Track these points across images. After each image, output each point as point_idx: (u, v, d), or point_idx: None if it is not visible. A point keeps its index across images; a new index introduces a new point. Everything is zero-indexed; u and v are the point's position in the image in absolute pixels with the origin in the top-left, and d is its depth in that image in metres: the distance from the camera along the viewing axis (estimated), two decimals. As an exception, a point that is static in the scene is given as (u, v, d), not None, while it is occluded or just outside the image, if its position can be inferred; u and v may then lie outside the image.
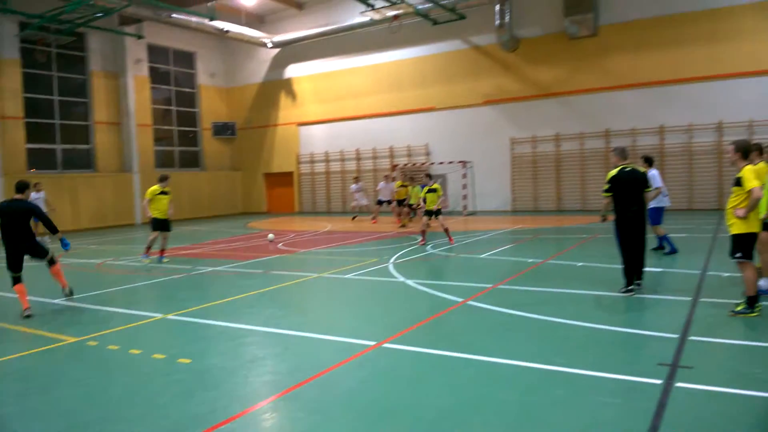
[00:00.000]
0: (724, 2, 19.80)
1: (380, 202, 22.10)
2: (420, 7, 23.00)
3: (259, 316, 7.68)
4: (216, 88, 32.11)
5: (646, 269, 8.26)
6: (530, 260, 11.19)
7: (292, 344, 6.34)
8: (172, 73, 30.16)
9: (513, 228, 17.68)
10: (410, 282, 9.48)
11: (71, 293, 8.96)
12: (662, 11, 20.79)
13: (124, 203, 25.99)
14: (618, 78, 21.74)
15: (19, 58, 23.27)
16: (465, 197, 24.28)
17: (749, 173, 6.44)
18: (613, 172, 8.06)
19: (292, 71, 30.11)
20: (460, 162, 24.52)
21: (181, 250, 15.56)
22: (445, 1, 23.10)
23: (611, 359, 5.46)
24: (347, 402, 4.66)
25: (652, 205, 10.52)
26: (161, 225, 13.17)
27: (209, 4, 22.63)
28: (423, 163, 25.84)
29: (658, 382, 4.68)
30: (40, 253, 8.59)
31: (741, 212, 6.49)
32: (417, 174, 25.02)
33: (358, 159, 28.15)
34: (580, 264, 10.48)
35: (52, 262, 8.71)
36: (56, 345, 6.65)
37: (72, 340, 6.82)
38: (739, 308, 6.57)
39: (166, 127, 29.83)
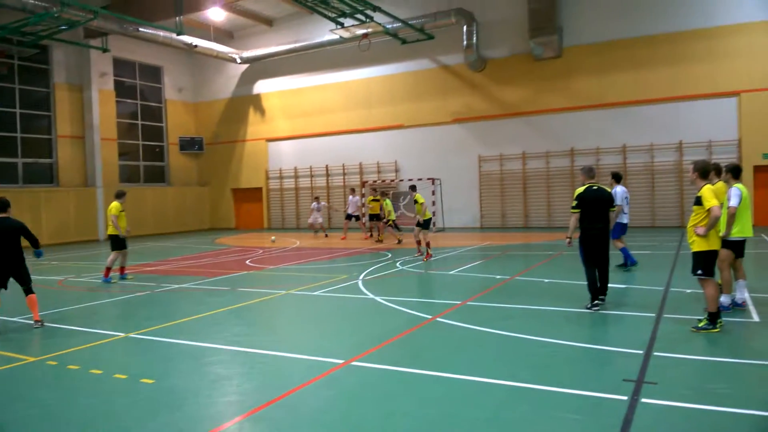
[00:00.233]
0: (682, 26, 20.48)
1: (349, 217, 22.12)
2: (389, 26, 23.24)
3: (225, 334, 7.55)
4: (183, 103, 31.80)
5: (611, 285, 8.40)
6: (498, 277, 11.27)
7: (258, 363, 6.24)
8: (138, 87, 29.76)
9: (481, 244, 17.81)
10: (379, 299, 9.45)
11: (42, 325, 8.31)
12: (624, 34, 21.39)
13: (87, 219, 25.44)
14: (582, 98, 22.24)
15: (-21, 70, 22.73)
16: (434, 214, 24.39)
17: (708, 192, 6.62)
18: (580, 189, 8.24)
19: (262, 87, 30.03)
20: (429, 179, 24.67)
21: (145, 267, 15.26)
22: (413, 22, 23.43)
23: (577, 375, 5.51)
24: (314, 422, 4.59)
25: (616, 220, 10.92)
26: (122, 243, 12.85)
27: (177, 18, 22.43)
28: (392, 180, 25.94)
29: (624, 398, 4.73)
30: (25, 279, 8.34)
31: (701, 230, 6.65)
32: (387, 189, 25.13)
33: (328, 175, 28.12)
34: (547, 280, 10.60)
35: (31, 291, 8.39)
36: (14, 364, 6.42)
37: (31, 359, 6.61)
38: (701, 324, 6.70)
39: (131, 142, 29.35)
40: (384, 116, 26.38)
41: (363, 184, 25.99)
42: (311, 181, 28.65)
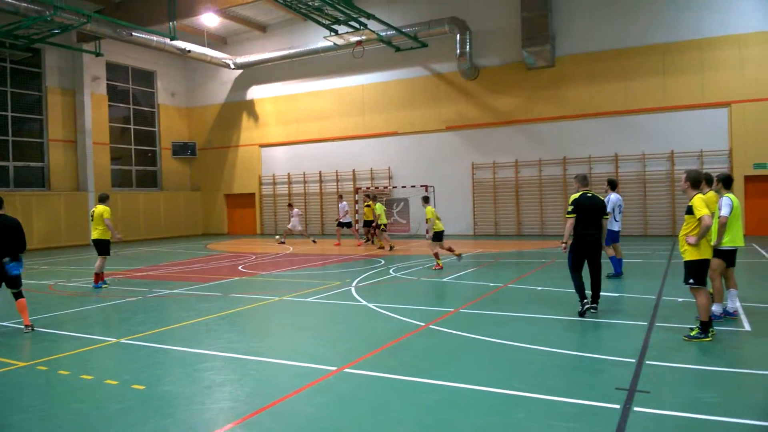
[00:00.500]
0: (673, 37, 20.67)
1: (341, 225, 22.14)
2: (383, 34, 23.34)
3: (217, 340, 7.51)
4: (176, 108, 31.74)
5: (604, 294, 8.43)
6: (492, 284, 11.28)
7: (251, 370, 6.21)
8: (131, 92, 29.68)
9: (474, 252, 17.83)
10: (372, 305, 9.44)
11: (32, 330, 8.25)
12: (616, 45, 21.57)
13: (78, 223, 25.27)
14: (574, 107, 22.38)
15: (-29, 73, 22.61)
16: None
17: (699, 202, 6.67)
18: (576, 195, 8.38)
19: (255, 93, 30.02)
20: (422, 186, 24.71)
21: (137, 272, 15.18)
22: (407, 30, 23.54)
23: (570, 383, 5.51)
24: (307, 429, 4.57)
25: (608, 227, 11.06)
26: (108, 248, 12.64)
27: (171, 23, 22.42)
28: (385, 187, 25.97)
29: (616, 406, 4.74)
30: (15, 281, 8.18)
31: (692, 239, 6.70)
32: (379, 194, 25.13)
33: (321, 181, 28.11)
34: (540, 288, 10.63)
35: (20, 295, 8.26)
36: (4, 369, 6.36)
37: (21, 364, 6.55)
38: (693, 333, 6.73)
39: (123, 146, 29.25)
40: (377, 123, 26.43)
41: (356, 190, 26.02)
42: (304, 187, 28.63)
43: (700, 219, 6.59)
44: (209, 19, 25.88)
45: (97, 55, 24.54)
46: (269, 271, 14.74)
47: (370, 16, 20.99)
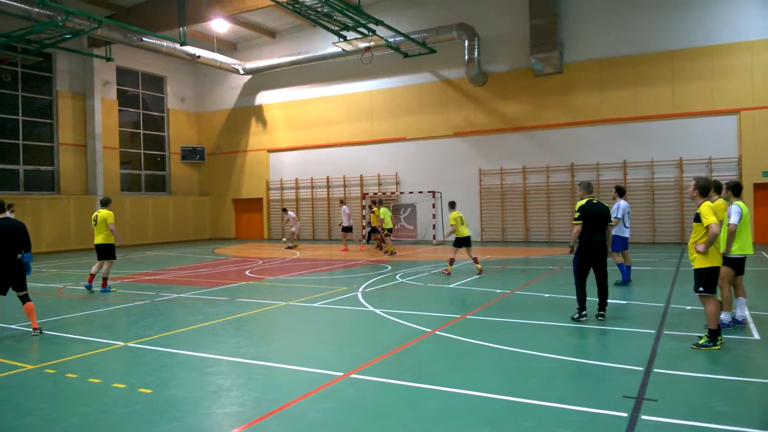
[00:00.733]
0: (682, 44, 20.61)
1: (345, 229, 22.24)
2: (391, 40, 23.41)
3: (224, 344, 7.53)
4: (185, 113, 31.93)
5: (611, 301, 8.40)
6: (498, 291, 11.26)
7: (257, 374, 6.22)
8: (140, 96, 29.89)
9: (481, 258, 17.76)
10: (379, 311, 9.43)
11: (41, 333, 8.29)
12: (624, 51, 21.53)
13: (87, 226, 25.22)
14: (582, 114, 22.34)
15: (-17, 77, 22.85)
16: (434, 227, 24.42)
17: (707, 210, 6.64)
18: (582, 202, 8.47)
19: (264, 98, 30.16)
20: (429, 192, 24.72)
21: (145, 276, 15.24)
22: (415, 36, 23.62)
23: (577, 391, 5.49)
24: (313, 434, 4.57)
25: (615, 232, 11.17)
26: (114, 252, 12.63)
27: (181, 29, 22.59)
28: (393, 192, 26.00)
29: (624, 414, 4.72)
30: (22, 283, 8.22)
31: (701, 247, 6.67)
32: (386, 200, 25.16)
33: (329, 187, 28.16)
34: (548, 295, 10.59)
35: (27, 299, 8.29)
36: (12, 372, 6.40)
37: (29, 367, 6.58)
38: (701, 341, 6.69)
39: (133, 150, 29.45)
40: (385, 129, 26.47)
41: (363, 196, 26.06)
42: (312, 192, 28.69)
43: (707, 227, 6.56)
44: (219, 25, 26.04)
45: (108, 60, 24.73)
46: (276, 275, 14.77)
47: (378, 23, 21.06)
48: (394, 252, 19.48)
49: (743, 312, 7.80)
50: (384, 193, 25.90)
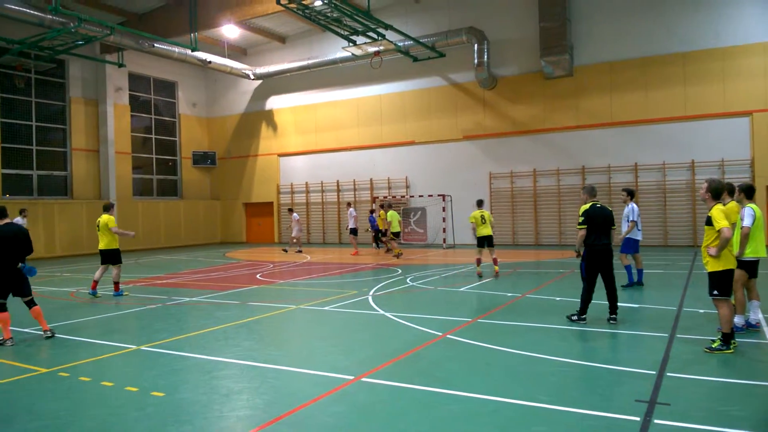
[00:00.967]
0: (694, 46, 20.50)
1: (354, 232, 22.34)
2: (401, 44, 23.46)
3: (235, 348, 7.56)
4: (197, 118, 32.14)
5: (623, 305, 8.36)
6: (510, 294, 11.23)
7: (269, 378, 6.24)
8: (152, 102, 30.13)
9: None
10: (390, 315, 9.44)
11: (53, 335, 8.38)
12: (635, 54, 21.44)
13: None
14: (593, 117, 22.25)
15: (-3, 84, 23.14)
16: (444, 230, 24.39)
17: (718, 213, 6.59)
18: (586, 206, 8.53)
19: (274, 103, 30.30)
20: (439, 195, 24.70)
21: (157, 280, 15.33)
22: (425, 40, 23.65)
23: (590, 395, 5.46)
24: (325, 437, 4.58)
25: (629, 235, 11.30)
26: (119, 257, 12.60)
27: (192, 35, 22.78)
28: (402, 196, 26.01)
29: (637, 419, 4.69)
30: (26, 290, 8.23)
31: (713, 251, 6.62)
32: (396, 204, 25.19)
33: (339, 190, 28.22)
34: (559, 298, 10.55)
35: (33, 303, 8.31)
36: (26, 375, 6.47)
37: (43, 370, 6.65)
38: (715, 345, 6.64)
39: (145, 155, 29.67)
40: (395, 133, 26.50)
41: (373, 199, 26.09)
42: (322, 196, 28.76)
43: (719, 231, 6.51)
44: (230, 31, 26.20)
45: (120, 66, 24.96)
46: (287, 279, 14.81)
47: (388, 27, 21.11)
48: (400, 254, 19.61)
49: (757, 315, 7.73)
50: (394, 197, 25.93)
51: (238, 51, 30.07)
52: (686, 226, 20.89)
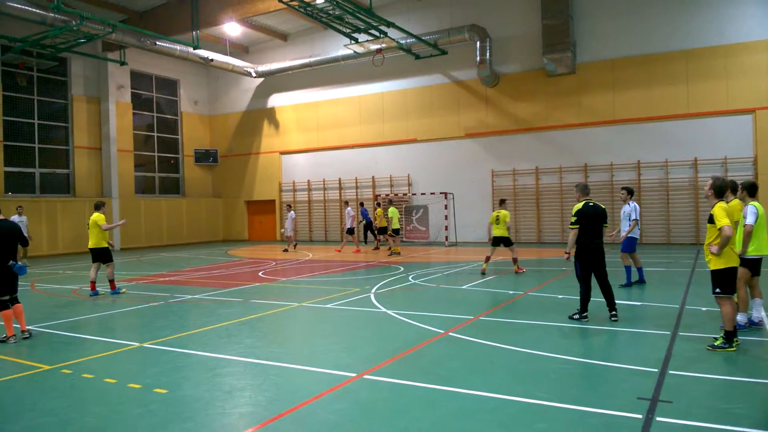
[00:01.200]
0: (697, 43, 20.43)
1: (350, 232, 22.39)
2: (403, 41, 23.43)
3: (238, 345, 7.57)
4: (198, 116, 32.15)
5: (627, 303, 8.35)
6: (511, 292, 11.23)
7: (271, 375, 6.25)
8: (154, 100, 30.15)
9: (494, 259, 17.73)
10: (392, 312, 9.44)
11: (30, 336, 8.22)
12: (638, 51, 21.39)
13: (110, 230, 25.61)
14: (596, 114, 22.21)
15: (-1, 82, 23.17)
16: (446, 228, 24.38)
17: (719, 211, 6.57)
18: (579, 205, 8.54)
19: (276, 100, 30.29)
20: (441, 193, 24.69)
21: (159, 277, 15.35)
22: (427, 37, 23.62)
23: (592, 393, 5.46)
24: (327, 435, 4.59)
25: (631, 234, 11.29)
26: (110, 255, 12.52)
27: (194, 33, 22.78)
28: (404, 194, 26.01)
29: (639, 416, 4.69)
30: (12, 286, 8.11)
31: (714, 249, 6.61)
32: (398, 202, 25.19)
33: (341, 188, 28.22)
34: (561, 296, 10.54)
35: (16, 301, 8.18)
36: (29, 372, 6.48)
37: (46, 367, 6.66)
38: (717, 343, 6.63)
39: (147, 153, 29.70)
40: (397, 130, 26.49)
41: (375, 197, 26.09)
42: (324, 194, 28.77)
43: (720, 229, 6.50)
44: (231, 29, 26.19)
45: (122, 64, 24.99)
46: (289, 277, 14.82)
47: (390, 25, 21.08)
48: (394, 253, 19.81)
49: (759, 313, 7.72)
50: (396, 195, 25.93)
51: (239, 49, 30.05)
52: (689, 223, 20.85)
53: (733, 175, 18.82)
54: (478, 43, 23.32)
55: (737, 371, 5.99)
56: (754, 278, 7.59)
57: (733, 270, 6.70)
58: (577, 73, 22.45)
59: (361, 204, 23.62)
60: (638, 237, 11.65)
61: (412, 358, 6.77)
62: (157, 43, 23.86)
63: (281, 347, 7.72)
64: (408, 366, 6.45)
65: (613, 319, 8.25)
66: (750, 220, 7.19)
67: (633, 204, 11.41)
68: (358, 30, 21.33)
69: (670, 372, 5.84)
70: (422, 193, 25.36)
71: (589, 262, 8.34)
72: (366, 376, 5.99)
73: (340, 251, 21.72)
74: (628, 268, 11.53)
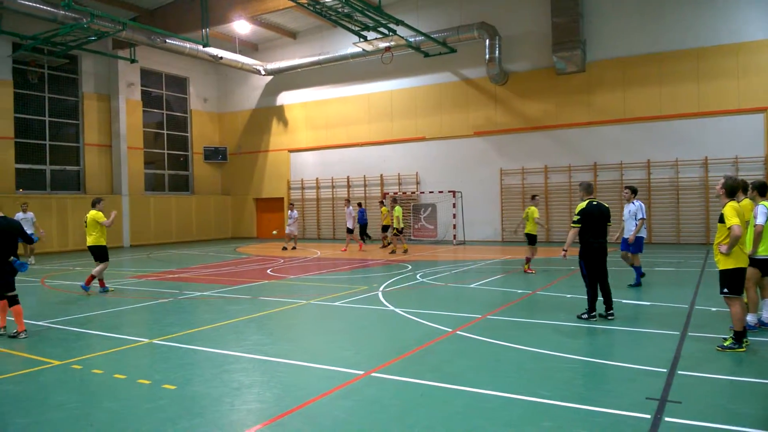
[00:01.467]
0: (708, 42, 20.29)
1: (350, 230, 22.43)
2: (412, 39, 23.40)
3: (246, 342, 7.60)
4: (208, 113, 32.26)
5: (635, 303, 8.32)
6: (520, 291, 11.21)
7: (279, 372, 6.27)
8: (164, 97, 30.28)
9: (503, 258, 17.72)
10: (399, 310, 9.45)
11: (25, 337, 8.07)
12: (648, 49, 21.26)
13: (112, 226, 25.74)
14: (606, 113, 22.11)
15: (11, 79, 23.33)
16: (455, 227, 24.36)
17: (730, 210, 6.54)
18: (582, 204, 8.53)
19: (285, 98, 30.35)
20: (450, 191, 24.66)
21: (168, 274, 15.44)
22: (436, 35, 23.58)
23: (600, 392, 5.45)
24: (335, 432, 4.61)
25: (638, 234, 11.22)
26: (106, 254, 12.36)
27: (203, 30, 22.87)
28: (413, 192, 26.00)
29: (647, 416, 4.67)
30: (8, 284, 8.08)
31: (723, 249, 6.58)
32: (407, 200, 25.19)
33: (349, 186, 28.25)
34: (570, 296, 10.51)
35: (16, 301, 8.16)
36: (40, 368, 6.54)
37: (56, 363, 6.71)
38: (727, 343, 6.59)
39: (156, 151, 29.84)
40: (406, 128, 26.48)
41: (384, 195, 26.09)
42: (332, 191, 28.81)
43: (729, 228, 6.47)
44: (241, 27, 26.27)
45: (132, 61, 25.11)
46: (297, 274, 14.86)
47: (399, 22, 21.07)
48: (393, 252, 19.94)
49: (770, 314, 7.67)
50: (404, 193, 25.94)
51: (249, 47, 30.13)
52: (699, 223, 20.73)
53: (743, 174, 18.68)
54: (487, 41, 23.26)
55: (747, 372, 5.96)
56: (765, 279, 7.54)
57: (742, 271, 6.67)
58: (587, 71, 22.35)
59: (359, 204, 23.62)
60: (645, 236, 11.60)
61: (420, 356, 6.78)
62: (167, 40, 23.95)
63: (289, 344, 7.74)
64: (415, 364, 6.45)
65: (609, 317, 8.32)
66: (761, 219, 7.14)
67: (638, 203, 11.34)
68: (367, 28, 21.34)
69: (680, 372, 5.82)
70: (430, 192, 25.34)
71: (594, 260, 8.34)
72: (374, 374, 6.01)
73: (345, 250, 21.74)
74: (637, 268, 11.47)
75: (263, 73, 29.25)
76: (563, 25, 21.49)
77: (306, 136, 29.65)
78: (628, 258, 11.45)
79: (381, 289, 11.82)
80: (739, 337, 6.54)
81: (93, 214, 12.10)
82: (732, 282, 6.62)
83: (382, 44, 23.25)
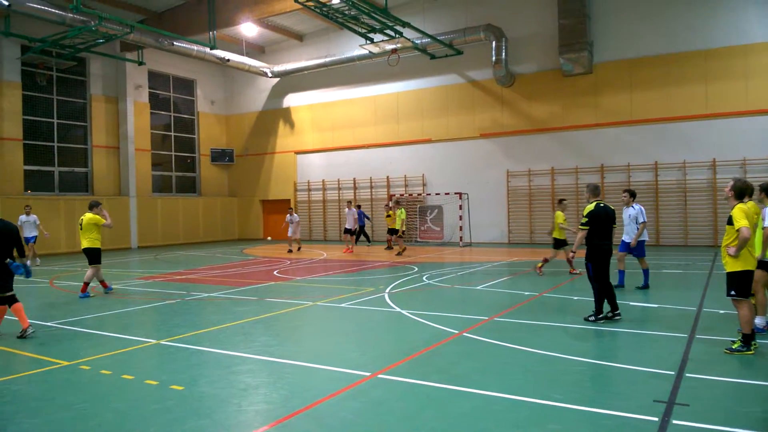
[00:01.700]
0: (716, 43, 20.22)
1: (348, 231, 22.42)
2: (418, 41, 23.42)
3: (253, 343, 7.62)
4: (215, 115, 32.38)
5: (642, 305, 8.29)
6: (527, 293, 11.18)
7: (285, 373, 6.29)
8: (171, 99, 30.42)
9: (509, 260, 17.69)
10: (406, 312, 9.45)
11: (23, 337, 8.10)
12: (656, 51, 21.20)
13: (120, 227, 25.90)
14: (613, 115, 22.05)
15: (19, 81, 23.50)
16: (461, 229, 24.34)
17: (738, 212, 6.52)
18: (590, 207, 8.53)
19: (291, 100, 30.42)
20: (456, 193, 24.65)
21: (175, 276, 15.49)
22: (442, 37, 23.59)
23: (607, 395, 5.44)
24: (341, 433, 4.61)
25: (641, 237, 11.18)
26: (99, 257, 12.20)
27: (211, 33, 22.97)
28: (419, 194, 26.01)
29: (655, 419, 4.66)
30: (8, 285, 8.10)
31: (732, 251, 6.55)
32: (413, 202, 25.19)
33: (355, 188, 28.27)
34: (576, 298, 10.49)
35: (15, 300, 8.16)
36: (48, 368, 6.58)
37: (65, 363, 6.75)
38: (735, 346, 6.56)
39: (164, 153, 29.98)
40: (412, 130, 26.49)
41: (390, 197, 26.10)
42: (339, 193, 28.85)
43: (738, 230, 6.45)
44: (248, 29, 26.37)
45: (140, 64, 25.23)
46: (304, 276, 14.88)
47: (405, 25, 21.09)
48: (401, 253, 20.07)
49: (778, 316, 7.62)
50: (411, 195, 25.95)
51: (256, 49, 30.24)
52: (707, 225, 20.63)
53: (751, 176, 18.59)
54: (493, 42, 23.25)
55: (755, 374, 5.92)
56: (773, 281, 7.49)
57: (749, 273, 6.64)
58: (594, 73, 22.31)
59: (358, 207, 23.66)
60: (647, 239, 11.59)
61: (427, 357, 6.78)
62: (175, 43, 24.07)
63: (296, 346, 7.75)
64: (422, 366, 6.45)
65: (616, 318, 8.31)
66: (768, 222, 7.11)
67: (638, 206, 11.27)
68: (374, 30, 21.36)
69: (687, 375, 5.79)
70: (437, 194, 25.34)
71: (602, 263, 8.36)
72: (380, 376, 6.01)
73: (348, 251, 21.76)
74: (645, 271, 11.41)
75: (270, 75, 29.34)
76: (570, 26, 21.46)
77: (312, 138, 29.71)
78: (623, 260, 11.40)
79: (387, 290, 11.82)
80: (748, 339, 6.51)
81: (90, 216, 11.99)
82: (740, 284, 6.59)
83: (389, 46, 23.30)
